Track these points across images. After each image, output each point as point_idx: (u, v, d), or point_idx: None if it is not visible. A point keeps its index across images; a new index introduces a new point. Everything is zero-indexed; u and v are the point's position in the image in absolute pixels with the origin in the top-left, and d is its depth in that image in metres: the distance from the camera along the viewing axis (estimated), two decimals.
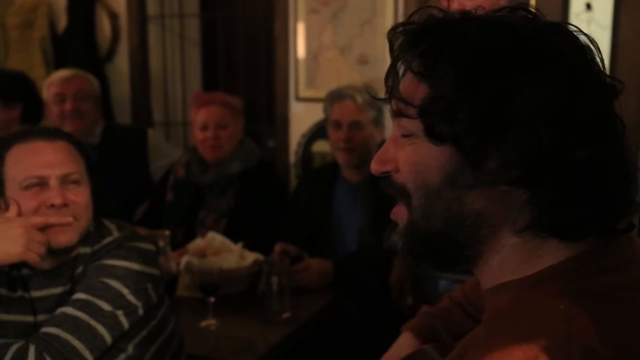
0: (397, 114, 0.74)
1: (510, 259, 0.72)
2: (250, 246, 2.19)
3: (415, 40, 0.72)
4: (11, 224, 1.30)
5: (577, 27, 0.71)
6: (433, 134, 0.70)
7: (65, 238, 1.35)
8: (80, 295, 1.33)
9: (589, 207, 0.68)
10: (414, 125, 0.72)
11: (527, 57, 0.68)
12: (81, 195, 1.38)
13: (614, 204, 0.70)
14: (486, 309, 0.76)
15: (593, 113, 0.68)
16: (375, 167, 0.79)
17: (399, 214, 0.78)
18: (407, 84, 0.73)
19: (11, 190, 1.35)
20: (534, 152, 0.66)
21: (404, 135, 0.75)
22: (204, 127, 2.51)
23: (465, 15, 0.73)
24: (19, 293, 1.40)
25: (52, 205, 1.34)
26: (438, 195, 0.72)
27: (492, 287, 0.75)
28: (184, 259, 2.07)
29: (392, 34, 0.75)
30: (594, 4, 2.34)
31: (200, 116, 2.54)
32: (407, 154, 0.74)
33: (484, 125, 0.67)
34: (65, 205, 1.35)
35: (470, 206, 0.71)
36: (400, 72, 0.74)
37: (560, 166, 0.67)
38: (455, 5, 1.13)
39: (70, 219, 1.34)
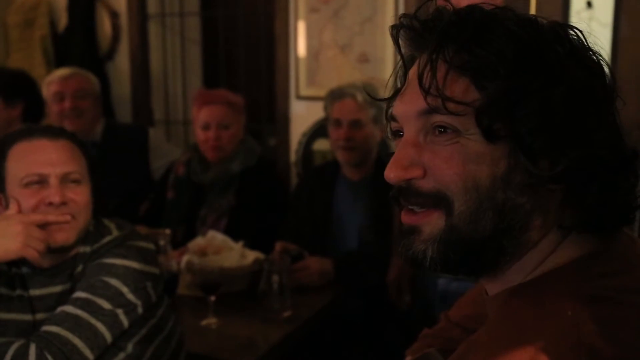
0: (433, 110, 0.68)
1: (527, 262, 0.70)
2: (251, 245, 2.19)
3: (453, 33, 0.67)
4: (10, 221, 1.31)
5: (575, 26, 0.70)
6: (490, 132, 0.66)
7: (62, 236, 1.35)
8: (80, 294, 1.33)
9: (618, 200, 0.68)
10: (460, 122, 0.67)
11: (568, 52, 0.67)
12: (81, 195, 1.39)
13: (632, 199, 0.70)
14: (489, 314, 0.74)
15: (613, 109, 0.70)
16: (396, 174, 0.70)
17: (425, 219, 0.70)
18: (446, 78, 0.67)
19: (12, 187, 1.36)
20: (586, 148, 0.65)
21: (441, 133, 0.68)
22: (206, 127, 2.49)
23: (481, 9, 0.69)
24: (18, 292, 1.40)
25: (51, 204, 1.34)
26: (490, 197, 0.67)
27: (498, 293, 0.73)
28: (185, 258, 2.07)
29: (397, 29, 0.73)
30: (595, 2, 2.34)
31: (202, 115, 2.51)
32: (448, 154, 0.68)
33: (552, 123, 0.65)
34: (64, 203, 1.35)
35: (522, 208, 0.67)
36: (435, 66, 0.68)
37: (598, 159, 0.66)
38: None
39: (67, 217, 1.35)
